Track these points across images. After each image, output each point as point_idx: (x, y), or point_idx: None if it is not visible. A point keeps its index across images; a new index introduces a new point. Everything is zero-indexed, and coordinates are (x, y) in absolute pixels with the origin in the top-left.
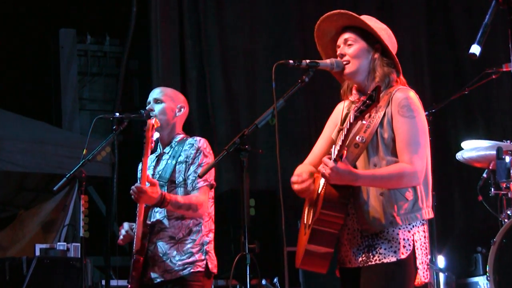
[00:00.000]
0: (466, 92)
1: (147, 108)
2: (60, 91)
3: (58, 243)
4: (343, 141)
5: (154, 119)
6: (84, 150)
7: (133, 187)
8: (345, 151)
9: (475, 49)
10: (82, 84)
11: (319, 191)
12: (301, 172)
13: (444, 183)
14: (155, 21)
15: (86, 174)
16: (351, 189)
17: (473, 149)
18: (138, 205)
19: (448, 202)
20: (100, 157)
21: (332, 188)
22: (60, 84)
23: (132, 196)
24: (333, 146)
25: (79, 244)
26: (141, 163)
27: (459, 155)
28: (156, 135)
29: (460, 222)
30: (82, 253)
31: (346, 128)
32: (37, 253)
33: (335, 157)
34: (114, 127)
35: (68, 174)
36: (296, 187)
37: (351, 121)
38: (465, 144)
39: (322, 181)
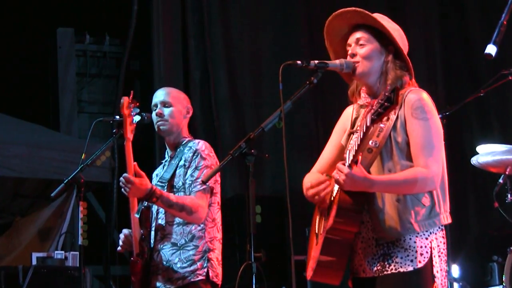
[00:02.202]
0: (481, 94)
1: (156, 112)
2: (57, 93)
3: (56, 252)
4: (359, 146)
5: (130, 96)
6: (83, 154)
7: (121, 178)
8: (360, 156)
9: (491, 49)
10: (81, 85)
11: (331, 199)
12: (311, 180)
13: (459, 189)
14: (157, 20)
15: (85, 179)
16: (365, 196)
17: (488, 153)
18: (129, 199)
19: (463, 209)
20: (99, 162)
21: (346, 195)
22: (58, 86)
23: (122, 189)
24: (347, 151)
25: (77, 253)
26: (155, 171)
27: (474, 160)
28: (137, 118)
29: (475, 230)
30: (81, 262)
31: (362, 132)
32: (34, 262)
33: (349, 162)
34: (114, 131)
35: (66, 180)
36: (311, 192)
37: (368, 124)
38: (480, 148)
39: (335, 188)
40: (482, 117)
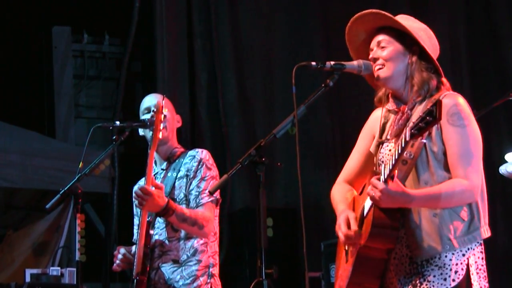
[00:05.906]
0: (510, 98)
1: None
2: (53, 96)
3: (51, 268)
4: (396, 160)
5: (163, 98)
6: (80, 163)
7: (137, 189)
8: (396, 171)
9: None
10: (78, 88)
11: (364, 215)
12: (348, 215)
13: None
14: (160, 18)
15: (83, 190)
16: (401, 211)
17: None
18: (141, 213)
19: (490, 222)
20: (98, 171)
21: (381, 212)
22: (53, 89)
23: (135, 201)
24: (383, 165)
25: (74, 269)
26: (139, 182)
27: (502, 169)
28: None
29: (503, 244)
30: (78, 279)
31: (400, 147)
32: (28, 279)
33: (385, 177)
34: (114, 137)
35: (62, 190)
36: (340, 235)
37: (407, 139)
38: (509, 156)
39: (367, 202)
40: None
